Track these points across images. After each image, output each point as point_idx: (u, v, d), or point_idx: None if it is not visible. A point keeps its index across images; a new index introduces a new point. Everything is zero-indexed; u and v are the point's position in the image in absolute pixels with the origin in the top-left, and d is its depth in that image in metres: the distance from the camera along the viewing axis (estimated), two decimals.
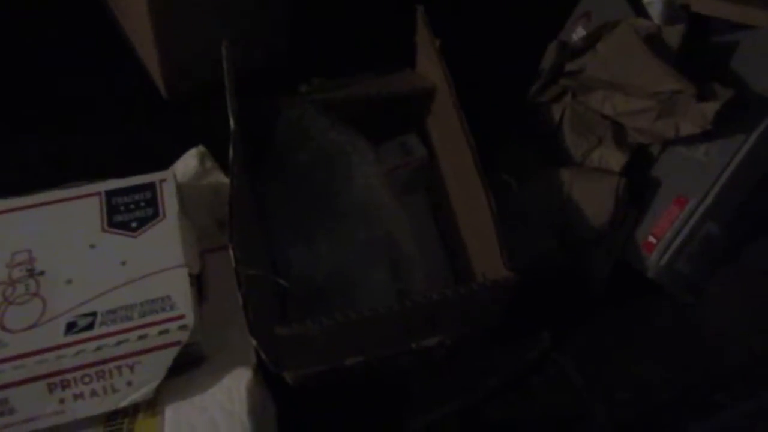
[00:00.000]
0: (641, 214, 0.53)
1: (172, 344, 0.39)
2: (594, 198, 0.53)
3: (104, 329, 0.39)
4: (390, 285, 0.50)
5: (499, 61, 0.65)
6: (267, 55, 0.66)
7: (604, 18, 0.56)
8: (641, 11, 0.56)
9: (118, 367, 0.38)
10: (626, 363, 0.52)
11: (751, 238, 0.55)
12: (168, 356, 0.39)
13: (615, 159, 0.53)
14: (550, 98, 0.59)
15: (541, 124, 0.59)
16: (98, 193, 0.47)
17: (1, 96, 0.61)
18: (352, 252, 0.51)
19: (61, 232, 0.44)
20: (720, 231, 0.52)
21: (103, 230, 0.45)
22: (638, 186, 0.53)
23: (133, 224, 0.45)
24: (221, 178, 0.53)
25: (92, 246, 0.44)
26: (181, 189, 0.49)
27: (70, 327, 0.39)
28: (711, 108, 0.48)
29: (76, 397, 0.38)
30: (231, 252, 0.38)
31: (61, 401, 0.38)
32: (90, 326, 0.39)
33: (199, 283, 0.45)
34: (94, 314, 0.40)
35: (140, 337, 0.39)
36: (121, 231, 0.45)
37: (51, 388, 0.38)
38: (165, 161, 0.52)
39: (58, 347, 0.38)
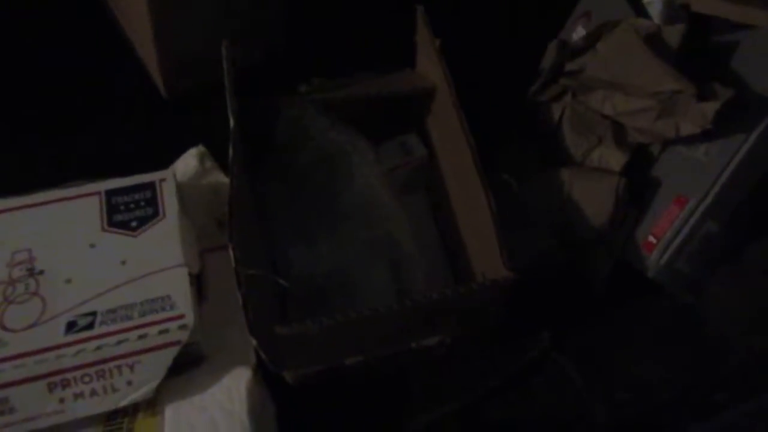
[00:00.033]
0: (641, 214, 0.53)
1: (172, 344, 0.39)
2: (594, 198, 0.53)
3: (104, 329, 0.39)
4: (390, 285, 0.50)
5: (499, 60, 0.65)
6: (265, 53, 0.66)
7: (604, 17, 0.56)
8: (641, 11, 0.56)
9: (118, 367, 0.38)
10: (626, 363, 0.52)
11: (751, 237, 0.55)
12: (168, 356, 0.39)
13: (615, 159, 0.53)
14: (550, 98, 0.59)
15: (541, 123, 0.59)
16: (98, 193, 0.47)
17: (1, 96, 0.62)
18: (352, 252, 0.51)
19: (61, 232, 0.44)
20: (720, 230, 0.52)
21: (103, 229, 0.45)
22: (638, 186, 0.53)
23: (133, 224, 0.45)
24: (221, 178, 0.53)
25: (92, 245, 0.44)
26: (180, 188, 0.49)
27: (70, 326, 0.39)
28: (711, 108, 0.48)
29: (76, 396, 0.38)
30: (231, 252, 0.38)
31: (61, 400, 0.38)
32: (90, 326, 0.39)
33: (198, 282, 0.45)
34: (94, 314, 0.40)
35: (140, 337, 0.39)
36: (121, 230, 0.45)
37: (51, 388, 0.38)
38: (165, 161, 0.53)
39: (58, 347, 0.38)
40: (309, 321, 0.39)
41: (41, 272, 0.42)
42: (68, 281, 0.42)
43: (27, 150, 0.59)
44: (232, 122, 0.44)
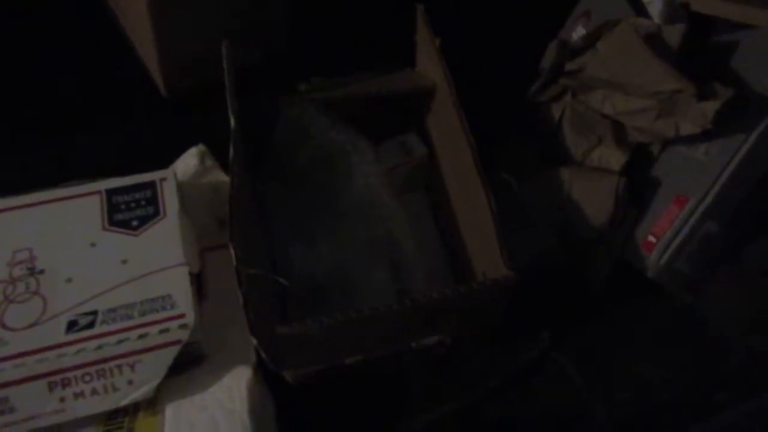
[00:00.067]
0: (641, 214, 0.53)
1: (172, 343, 0.39)
2: (594, 197, 0.53)
3: (105, 328, 0.39)
4: (390, 284, 0.50)
5: (499, 60, 0.65)
6: (265, 53, 0.66)
7: (605, 17, 0.56)
8: (641, 10, 0.56)
9: (119, 366, 0.38)
10: (626, 363, 0.52)
11: (751, 237, 0.55)
12: (168, 355, 0.39)
13: (615, 158, 0.53)
14: (550, 97, 0.59)
15: (541, 123, 0.59)
16: (99, 192, 0.47)
17: (1, 96, 0.62)
18: (352, 251, 0.51)
19: (61, 231, 0.44)
20: (720, 230, 0.52)
21: (104, 229, 0.45)
22: (638, 185, 0.53)
23: (134, 223, 0.45)
24: (221, 177, 0.53)
25: (93, 244, 0.44)
26: (181, 188, 0.49)
27: (71, 325, 0.39)
28: (711, 107, 0.48)
29: (76, 395, 0.38)
30: (231, 251, 0.38)
31: (62, 400, 0.38)
32: (91, 325, 0.39)
33: (199, 281, 0.45)
34: (94, 313, 0.40)
35: (141, 336, 0.39)
36: (121, 229, 0.45)
37: (51, 387, 0.38)
38: (165, 160, 0.53)
39: (59, 346, 0.38)
40: (309, 320, 0.39)
41: (42, 271, 0.42)
42: (69, 280, 0.42)
43: (27, 150, 0.59)
44: (232, 122, 0.44)
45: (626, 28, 0.53)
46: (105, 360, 0.38)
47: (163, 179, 0.48)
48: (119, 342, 0.39)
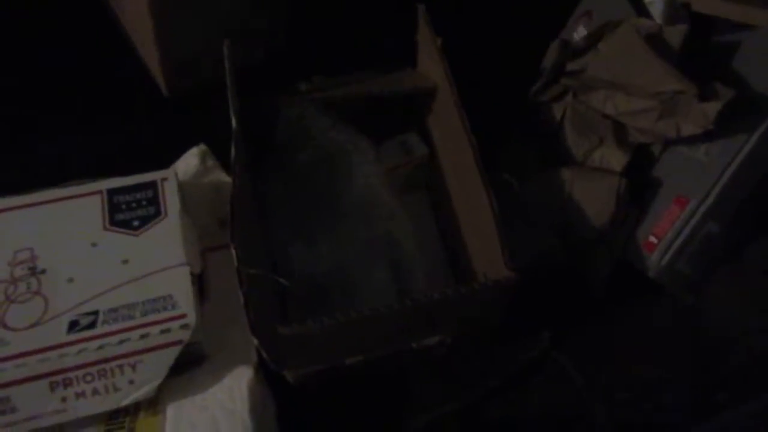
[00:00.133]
0: (642, 214, 0.53)
1: (173, 343, 0.39)
2: (595, 198, 0.53)
3: (106, 328, 0.39)
4: (390, 284, 0.50)
5: (500, 60, 0.65)
6: (266, 53, 0.66)
7: (606, 17, 0.56)
8: (642, 11, 0.56)
9: (120, 366, 0.39)
10: (626, 363, 0.52)
11: (751, 237, 0.55)
12: (170, 355, 0.39)
13: (616, 159, 0.53)
14: (552, 97, 0.59)
15: (543, 123, 0.59)
16: (100, 192, 0.47)
17: (1, 96, 0.61)
18: (353, 251, 0.51)
19: (62, 231, 0.44)
20: (721, 231, 0.52)
21: (105, 229, 0.45)
22: (639, 186, 0.53)
23: (135, 223, 0.45)
24: (222, 177, 0.53)
25: (94, 244, 0.44)
26: (182, 188, 0.49)
27: (72, 326, 0.39)
28: (713, 108, 0.48)
29: (77, 395, 0.38)
30: (233, 251, 0.38)
31: (63, 400, 0.38)
32: (92, 325, 0.39)
33: (200, 281, 0.45)
34: (96, 313, 0.40)
35: (142, 336, 0.39)
36: (122, 229, 0.45)
37: (53, 387, 0.38)
38: (166, 160, 0.52)
39: (60, 346, 0.38)
40: (310, 321, 0.39)
41: (43, 271, 0.42)
42: (70, 280, 0.42)
43: (27, 150, 0.59)
44: (234, 122, 0.44)
45: (628, 28, 0.53)
46: (106, 360, 0.38)
47: (164, 179, 0.48)
48: (120, 342, 0.39)
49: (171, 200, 0.46)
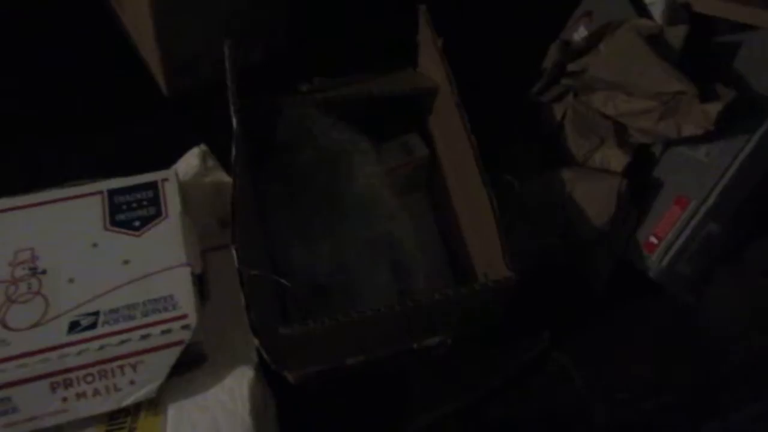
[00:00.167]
0: (643, 215, 0.53)
1: (174, 344, 0.39)
2: (596, 198, 0.53)
3: (107, 328, 0.39)
4: (391, 284, 0.51)
5: (501, 60, 0.65)
6: (267, 53, 0.66)
7: (606, 17, 0.56)
8: (643, 11, 0.56)
9: (121, 367, 0.39)
10: (626, 363, 0.52)
11: (751, 237, 0.55)
12: (170, 356, 0.39)
13: (617, 159, 0.53)
14: (552, 98, 0.59)
15: (543, 124, 0.59)
16: (101, 192, 0.47)
17: (1, 96, 0.61)
18: (353, 252, 0.51)
19: (63, 231, 0.44)
20: (721, 231, 0.52)
21: (106, 229, 0.45)
22: (640, 186, 0.53)
23: (136, 223, 0.45)
24: (223, 177, 0.53)
25: (95, 245, 0.44)
26: (183, 188, 0.49)
27: (73, 326, 0.39)
28: (714, 109, 0.48)
29: (78, 396, 0.38)
30: (234, 252, 0.38)
31: (64, 400, 0.38)
32: (93, 325, 0.39)
33: (201, 282, 0.45)
34: (96, 313, 0.40)
35: (143, 337, 0.39)
36: (123, 230, 0.45)
37: (54, 387, 0.38)
38: (166, 160, 0.52)
39: (61, 346, 0.38)
40: (311, 321, 0.39)
41: (44, 272, 0.42)
42: (71, 281, 0.42)
43: (27, 150, 0.59)
44: (234, 122, 0.44)
45: (628, 29, 0.53)
46: (107, 360, 0.38)
47: (164, 180, 0.48)
48: (121, 342, 0.39)
49: (172, 201, 0.46)
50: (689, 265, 0.52)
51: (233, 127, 0.44)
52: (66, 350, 0.38)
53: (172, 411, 0.40)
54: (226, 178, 0.52)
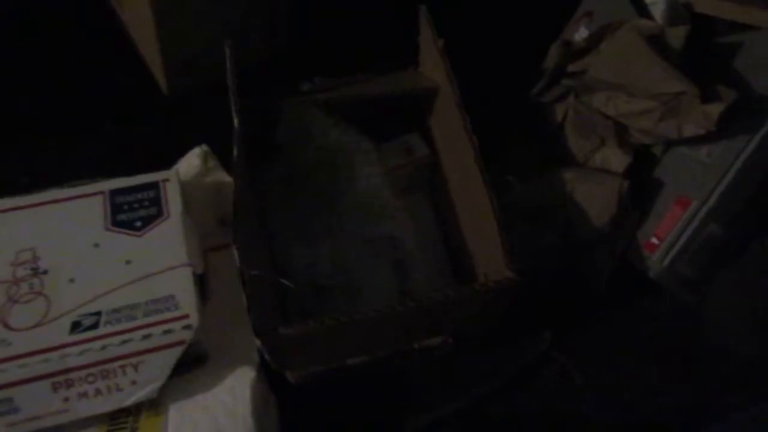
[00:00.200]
0: (643, 215, 0.53)
1: (176, 344, 0.39)
2: (596, 199, 0.53)
3: (109, 328, 0.39)
4: (392, 285, 0.51)
5: (501, 60, 0.65)
6: (268, 53, 0.66)
7: (607, 18, 0.56)
8: (644, 11, 0.56)
9: (123, 367, 0.39)
10: (627, 363, 0.52)
11: (752, 237, 0.55)
12: (172, 356, 0.39)
13: (618, 160, 0.53)
14: (553, 98, 0.59)
15: (544, 124, 0.59)
16: (102, 192, 0.47)
17: (1, 96, 0.61)
18: (354, 252, 0.51)
19: (64, 231, 0.44)
20: (722, 232, 0.52)
21: (107, 229, 0.45)
22: (640, 187, 0.53)
23: (137, 223, 0.45)
24: (224, 177, 0.53)
25: (96, 245, 0.44)
26: (184, 188, 0.49)
27: (75, 326, 0.39)
28: (715, 109, 0.48)
29: (80, 395, 0.38)
30: (235, 252, 0.38)
31: (66, 400, 0.38)
32: (94, 325, 0.39)
33: (202, 282, 0.45)
34: (98, 313, 0.40)
35: (144, 337, 0.39)
36: (124, 230, 0.45)
37: (55, 387, 0.38)
38: (167, 160, 0.53)
39: (63, 346, 0.38)
40: (312, 321, 0.39)
41: (45, 272, 0.42)
42: (72, 281, 0.42)
43: (27, 150, 0.59)
44: (235, 122, 0.44)
45: (629, 29, 0.53)
46: (109, 360, 0.38)
47: (166, 180, 0.48)
48: (123, 342, 0.39)
49: (173, 201, 0.46)
50: (690, 265, 0.52)
51: (234, 127, 0.44)
52: (68, 350, 0.38)
53: (174, 411, 0.40)
54: (227, 178, 0.52)
